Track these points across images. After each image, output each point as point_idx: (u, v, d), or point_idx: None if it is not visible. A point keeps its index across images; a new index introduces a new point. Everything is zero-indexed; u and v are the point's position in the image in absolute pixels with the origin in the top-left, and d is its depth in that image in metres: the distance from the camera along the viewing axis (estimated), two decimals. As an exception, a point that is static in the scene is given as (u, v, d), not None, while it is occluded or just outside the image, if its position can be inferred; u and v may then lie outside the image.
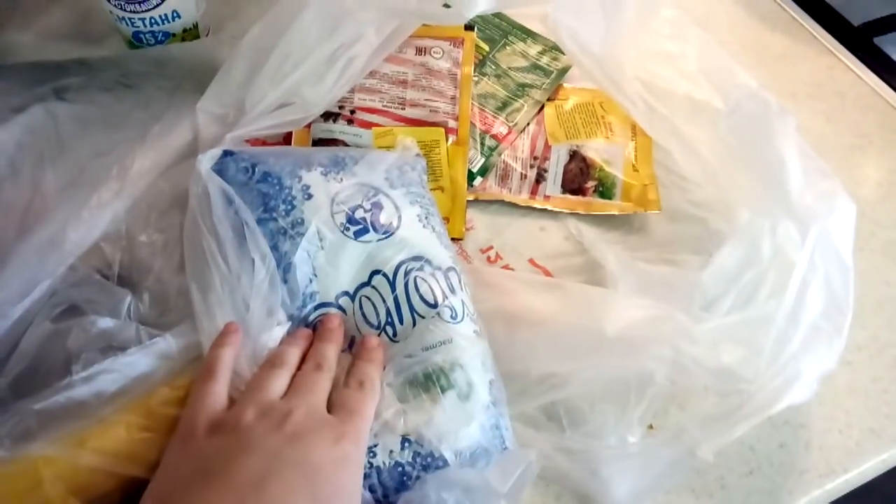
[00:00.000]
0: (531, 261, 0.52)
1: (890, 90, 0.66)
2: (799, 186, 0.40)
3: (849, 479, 0.45)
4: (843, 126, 0.64)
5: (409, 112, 0.56)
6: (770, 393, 0.36)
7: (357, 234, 0.41)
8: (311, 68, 0.47)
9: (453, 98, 0.57)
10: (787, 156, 0.40)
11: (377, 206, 0.42)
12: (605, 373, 0.42)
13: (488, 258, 0.52)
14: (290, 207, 0.41)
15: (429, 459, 0.35)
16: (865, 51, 0.69)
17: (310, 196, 0.42)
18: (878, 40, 0.71)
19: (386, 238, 0.41)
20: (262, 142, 0.52)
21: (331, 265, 0.40)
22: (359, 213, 0.42)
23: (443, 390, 0.37)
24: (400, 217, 0.43)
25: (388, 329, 0.40)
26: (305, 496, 0.30)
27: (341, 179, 0.43)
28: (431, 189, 0.53)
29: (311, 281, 0.40)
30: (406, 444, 0.36)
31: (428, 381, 0.37)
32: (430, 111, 0.56)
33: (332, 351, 0.37)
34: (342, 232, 0.41)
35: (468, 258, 0.52)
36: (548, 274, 0.51)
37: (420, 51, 0.58)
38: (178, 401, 0.34)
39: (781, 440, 0.45)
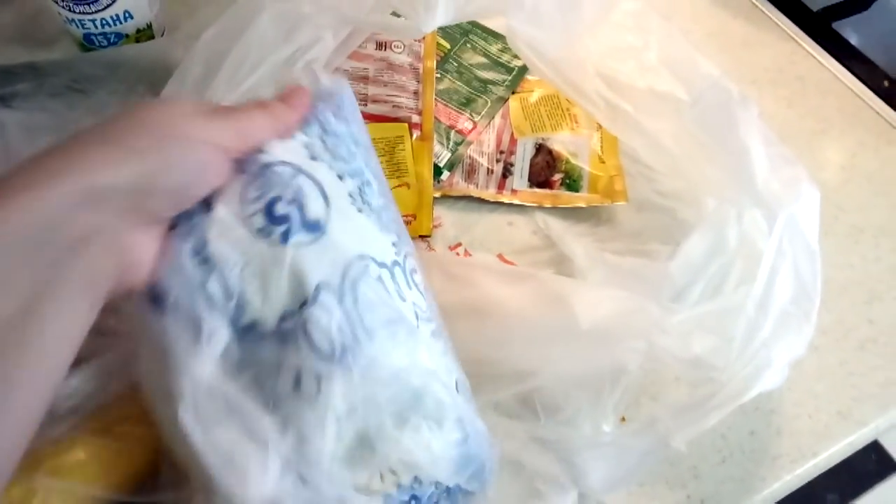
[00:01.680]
0: (500, 256, 0.52)
1: (849, 74, 0.67)
2: (764, 174, 0.40)
3: (818, 462, 0.45)
4: (804, 111, 0.64)
5: (372, 108, 0.55)
6: (741, 381, 0.37)
7: (284, 238, 0.30)
8: (268, 72, 0.46)
9: (416, 93, 0.56)
10: (750, 144, 0.41)
11: (300, 195, 0.32)
12: (579, 364, 0.42)
13: (457, 255, 0.51)
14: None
15: (432, 489, 0.33)
16: (824, 36, 0.70)
17: (210, 208, 0.30)
18: (836, 25, 0.71)
19: (317, 238, 0.31)
20: (222, 144, 0.51)
21: (258, 284, 0.30)
22: (280, 208, 0.31)
23: (416, 421, 0.32)
24: (328, 202, 0.32)
25: (346, 356, 0.31)
26: None
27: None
28: (396, 186, 0.52)
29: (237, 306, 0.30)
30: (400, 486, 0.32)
31: (397, 419, 0.32)
32: (393, 107, 0.55)
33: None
34: (263, 237, 0.30)
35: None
36: (517, 269, 0.51)
37: (380, 45, 0.57)
38: (135, 417, 0.33)
39: (752, 427, 0.46)
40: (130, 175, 0.26)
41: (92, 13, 0.53)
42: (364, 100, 0.55)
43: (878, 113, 0.65)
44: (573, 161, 0.56)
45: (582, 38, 0.46)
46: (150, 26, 0.58)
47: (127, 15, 0.55)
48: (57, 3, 0.53)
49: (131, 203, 0.26)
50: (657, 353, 0.39)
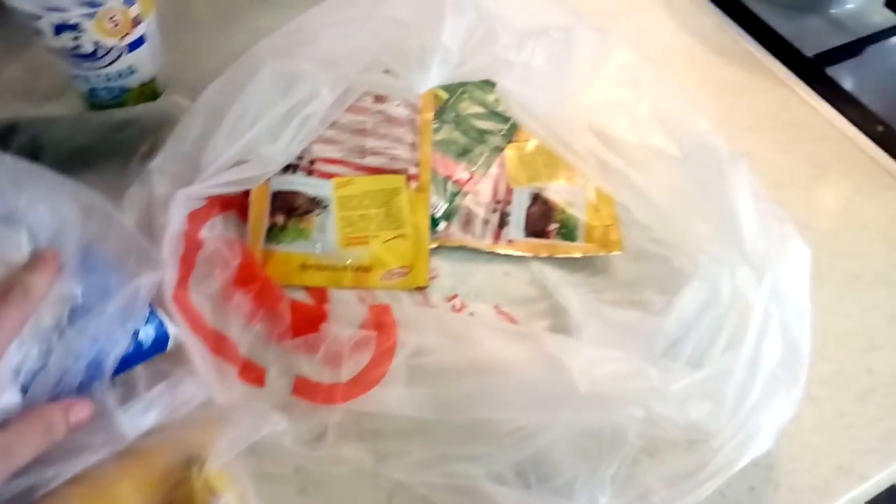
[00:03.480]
0: (497, 307, 0.52)
1: (844, 120, 0.67)
2: (752, 233, 0.40)
3: (819, 519, 0.45)
4: (800, 157, 0.65)
5: (370, 161, 0.55)
6: (732, 449, 0.36)
7: None
8: (267, 126, 0.47)
9: (413, 144, 0.57)
10: (738, 202, 0.41)
11: None
12: (576, 427, 0.42)
13: (454, 307, 0.52)
14: None
15: None
16: (819, 81, 0.71)
17: None
18: (830, 70, 0.72)
19: None
20: (221, 198, 0.52)
21: None
22: None
23: None
24: None
25: None
26: None
27: None
28: (392, 238, 0.53)
29: None
30: None
31: None
32: (391, 159, 0.56)
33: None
34: None
35: (433, 308, 0.51)
36: (513, 321, 0.51)
37: (378, 99, 0.58)
38: (127, 480, 0.33)
39: (751, 483, 0.45)
40: None
41: (97, 69, 0.55)
42: (362, 153, 0.55)
43: (873, 158, 0.65)
44: (569, 210, 0.56)
45: (574, 95, 0.47)
46: (153, 80, 0.59)
47: (130, 70, 0.56)
48: (63, 59, 0.54)
49: None
50: (655, 419, 0.39)
